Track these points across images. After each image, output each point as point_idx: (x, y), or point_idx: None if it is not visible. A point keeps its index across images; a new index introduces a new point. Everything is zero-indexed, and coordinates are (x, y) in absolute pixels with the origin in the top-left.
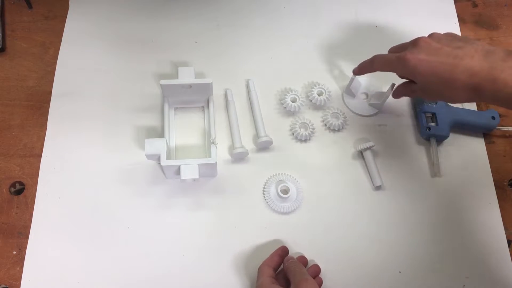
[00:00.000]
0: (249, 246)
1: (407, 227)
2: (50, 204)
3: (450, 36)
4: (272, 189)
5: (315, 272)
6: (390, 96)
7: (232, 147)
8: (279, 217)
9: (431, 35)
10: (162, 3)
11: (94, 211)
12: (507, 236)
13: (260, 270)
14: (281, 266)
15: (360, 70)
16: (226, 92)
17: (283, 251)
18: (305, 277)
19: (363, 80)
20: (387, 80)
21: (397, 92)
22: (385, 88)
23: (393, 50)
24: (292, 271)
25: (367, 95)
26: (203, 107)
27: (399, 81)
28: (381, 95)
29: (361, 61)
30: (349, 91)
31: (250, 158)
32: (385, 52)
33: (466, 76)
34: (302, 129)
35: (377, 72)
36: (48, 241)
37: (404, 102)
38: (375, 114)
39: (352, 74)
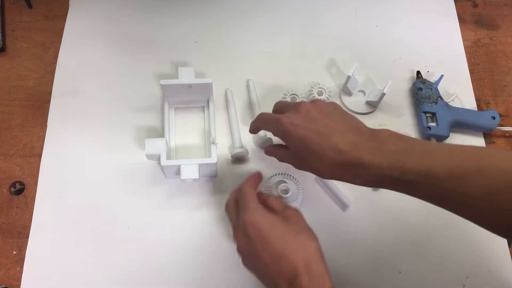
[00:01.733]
0: None
1: (407, 227)
2: (50, 204)
3: (331, 107)
4: (272, 189)
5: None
6: (390, 96)
7: (232, 147)
8: None
9: (314, 102)
10: (162, 3)
11: (94, 211)
12: None
13: (243, 191)
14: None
15: (252, 130)
16: (226, 92)
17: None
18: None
19: (360, 78)
20: (384, 78)
21: (268, 151)
22: (382, 86)
23: (277, 107)
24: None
25: (364, 93)
26: (203, 107)
27: (396, 79)
28: (378, 93)
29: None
30: (346, 89)
31: (250, 158)
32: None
33: (335, 154)
34: None
35: (375, 70)
36: (48, 241)
37: (404, 102)
38: (372, 111)
39: (349, 72)
